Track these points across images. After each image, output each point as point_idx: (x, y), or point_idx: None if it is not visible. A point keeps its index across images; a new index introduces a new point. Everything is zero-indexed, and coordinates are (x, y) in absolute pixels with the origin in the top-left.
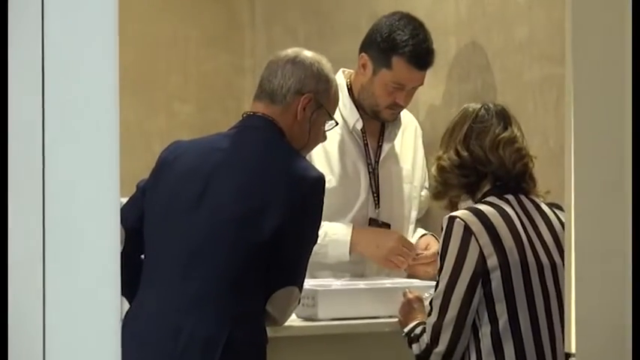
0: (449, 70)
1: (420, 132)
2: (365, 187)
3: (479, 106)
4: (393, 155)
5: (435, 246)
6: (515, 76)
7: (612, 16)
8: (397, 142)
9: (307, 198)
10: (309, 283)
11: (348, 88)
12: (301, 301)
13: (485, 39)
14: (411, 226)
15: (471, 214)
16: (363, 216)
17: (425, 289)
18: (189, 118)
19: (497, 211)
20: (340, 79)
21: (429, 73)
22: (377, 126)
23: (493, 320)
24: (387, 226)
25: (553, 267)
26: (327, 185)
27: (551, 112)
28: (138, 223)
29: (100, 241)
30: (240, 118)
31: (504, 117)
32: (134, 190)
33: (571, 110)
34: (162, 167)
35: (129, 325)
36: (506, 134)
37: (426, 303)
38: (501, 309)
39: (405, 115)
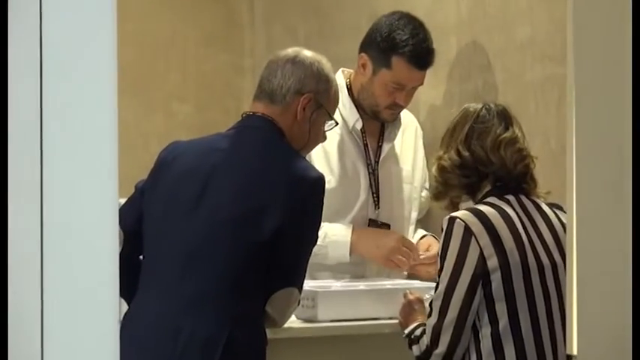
0: (450, 69)
1: (420, 132)
2: (365, 188)
3: (480, 106)
4: (393, 155)
5: (436, 247)
6: (516, 76)
7: (613, 16)
8: (397, 142)
9: (307, 198)
10: (308, 284)
11: (347, 88)
12: (301, 302)
13: (486, 39)
14: (411, 227)
15: (471, 214)
16: (363, 217)
17: (425, 290)
18: (188, 118)
19: (498, 212)
20: (340, 78)
21: (430, 72)
22: (377, 126)
23: (493, 321)
24: (387, 226)
25: (554, 267)
26: (326, 186)
27: (552, 113)
28: (136, 224)
29: (99, 241)
30: (240, 118)
31: (506, 117)
32: (132, 190)
33: (572, 110)
34: (160, 168)
35: (127, 327)
36: (507, 134)
37: (427, 304)
38: (502, 310)
39: (406, 115)
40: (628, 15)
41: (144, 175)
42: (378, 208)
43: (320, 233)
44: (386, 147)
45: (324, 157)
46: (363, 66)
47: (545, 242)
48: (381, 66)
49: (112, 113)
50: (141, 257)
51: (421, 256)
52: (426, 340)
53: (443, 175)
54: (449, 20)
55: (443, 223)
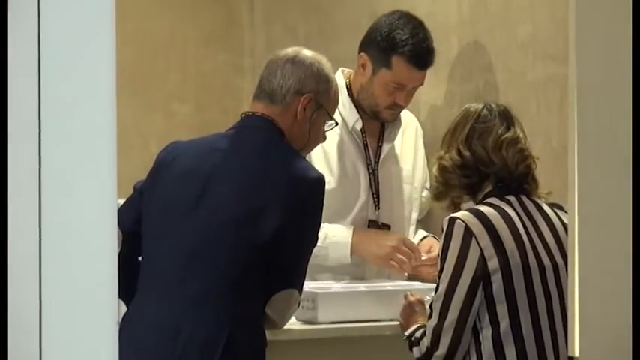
0: (450, 69)
1: (420, 132)
2: (365, 188)
3: (481, 105)
4: (393, 156)
5: (437, 248)
6: (518, 76)
7: (616, 16)
8: (397, 142)
9: (307, 199)
10: (308, 285)
11: (347, 88)
12: (301, 303)
13: (487, 38)
14: (412, 228)
15: (471, 215)
16: (363, 217)
17: (426, 291)
18: (188, 118)
19: (499, 213)
20: (339, 78)
21: (431, 72)
22: (377, 126)
23: (494, 323)
24: (387, 227)
25: (555, 268)
26: (326, 187)
27: (554, 112)
28: (135, 224)
29: (98, 242)
30: (239, 118)
31: (507, 117)
32: (131, 191)
33: (574, 110)
34: (160, 168)
35: (126, 328)
36: (509, 135)
37: (427, 305)
38: (502, 311)
39: (406, 115)
40: (630, 14)
41: (143, 175)
42: (379, 208)
43: (320, 234)
44: (386, 147)
45: (324, 158)
46: (363, 66)
47: (547, 243)
48: (381, 66)
49: (111, 113)
50: (140, 258)
51: (423, 257)
52: (426, 341)
53: (444, 176)
54: (450, 19)
55: (443, 224)
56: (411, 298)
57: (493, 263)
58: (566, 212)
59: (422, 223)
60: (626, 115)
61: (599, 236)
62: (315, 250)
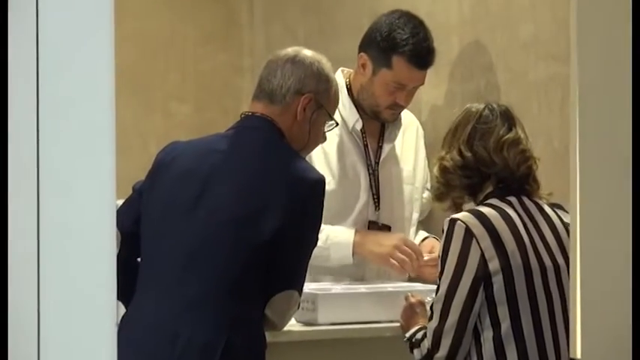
0: (451, 69)
1: (421, 132)
2: (365, 189)
3: (482, 106)
4: (394, 156)
5: (438, 249)
6: (519, 76)
7: (617, 16)
8: (398, 142)
9: (307, 200)
10: (308, 286)
11: (347, 88)
12: (301, 305)
13: (488, 38)
14: (413, 229)
15: (472, 216)
16: (363, 218)
17: (427, 292)
18: (187, 119)
19: (499, 214)
20: (339, 78)
21: (432, 72)
22: (377, 126)
23: (495, 324)
24: (388, 228)
25: (556, 269)
26: (326, 187)
27: (556, 113)
28: (134, 225)
29: (96, 243)
30: (239, 119)
31: (508, 118)
32: (130, 191)
33: (576, 110)
34: (159, 168)
35: (125, 330)
36: (510, 135)
37: (428, 307)
38: (503, 313)
39: (406, 115)
40: (630, 14)
41: (142, 175)
42: (379, 209)
43: (321, 236)
44: (386, 147)
45: (324, 158)
46: (363, 66)
47: (548, 244)
48: (381, 66)
49: (110, 113)
50: (138, 259)
51: (425, 258)
52: (427, 343)
53: (445, 176)
54: (451, 19)
55: (444, 225)
56: (412, 300)
57: (494, 264)
58: (567, 212)
59: (423, 224)
60: (627, 115)
61: (601, 237)
62: (316, 251)
